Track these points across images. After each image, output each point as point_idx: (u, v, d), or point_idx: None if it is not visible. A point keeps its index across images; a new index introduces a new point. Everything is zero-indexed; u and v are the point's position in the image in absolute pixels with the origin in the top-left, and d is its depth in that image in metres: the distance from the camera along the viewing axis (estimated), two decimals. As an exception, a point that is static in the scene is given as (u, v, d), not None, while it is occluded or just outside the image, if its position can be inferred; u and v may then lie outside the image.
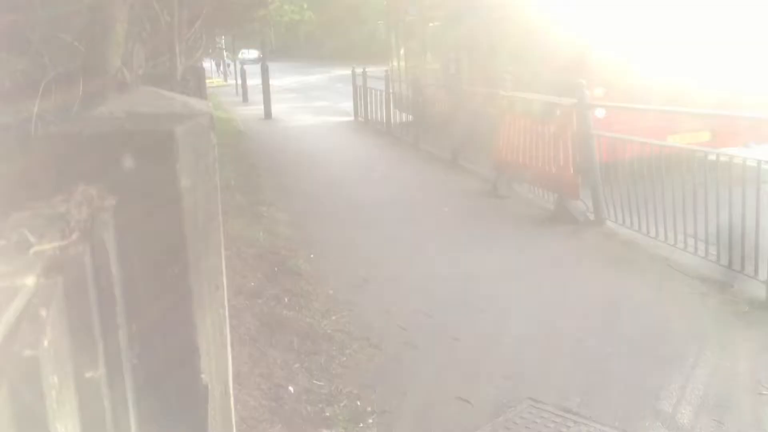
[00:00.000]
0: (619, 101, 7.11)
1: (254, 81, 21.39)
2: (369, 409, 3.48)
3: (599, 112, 7.34)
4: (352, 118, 16.79)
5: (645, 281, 5.10)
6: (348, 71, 17.58)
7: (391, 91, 13.33)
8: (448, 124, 10.38)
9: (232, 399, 0.98)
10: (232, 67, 31.58)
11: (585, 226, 6.59)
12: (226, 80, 33.06)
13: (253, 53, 40.65)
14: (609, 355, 3.97)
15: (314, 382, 3.76)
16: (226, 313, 0.97)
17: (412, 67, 14.24)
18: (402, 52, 14.99)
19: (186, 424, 0.78)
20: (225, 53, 32.08)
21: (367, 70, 15.56)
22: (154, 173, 0.77)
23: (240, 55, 32.11)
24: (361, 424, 3.34)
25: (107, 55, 1.23)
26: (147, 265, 0.76)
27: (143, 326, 0.75)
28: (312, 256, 6.04)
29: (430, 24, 13.59)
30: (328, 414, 3.39)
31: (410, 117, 12.93)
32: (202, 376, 0.80)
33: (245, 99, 22.10)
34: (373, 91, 15.10)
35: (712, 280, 4.97)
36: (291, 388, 3.64)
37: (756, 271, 4.69)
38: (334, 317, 4.69)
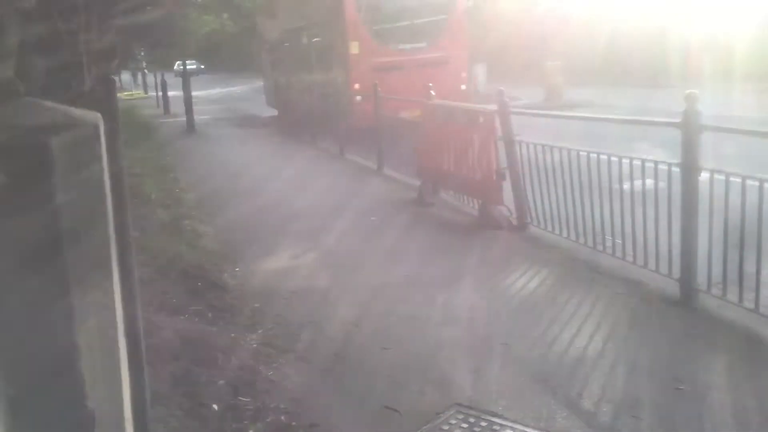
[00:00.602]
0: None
1: (176, 92, 20.97)
2: (295, 423, 3.42)
3: None
4: (276, 129, 16.65)
5: (566, 283, 5.22)
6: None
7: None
8: (299, 118, 14.64)
9: (129, 424, 0.93)
10: (152, 78, 31.27)
11: (509, 232, 6.71)
12: (146, 92, 32.29)
13: (192, 65, 39.91)
14: (533, 358, 4.03)
15: (239, 398, 3.67)
16: (119, 336, 0.91)
17: (273, 77, 19.03)
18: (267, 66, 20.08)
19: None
20: (144, 64, 31.56)
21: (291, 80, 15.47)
22: (29, 187, 0.72)
23: (176, 67, 31.53)
24: (288, 440, 3.28)
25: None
26: (21, 288, 0.71)
27: (16, 358, 0.69)
28: (237, 270, 5.94)
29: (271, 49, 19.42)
30: (252, 431, 3.31)
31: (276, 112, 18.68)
32: (86, 403, 0.75)
33: (166, 111, 21.62)
34: (296, 102, 15.02)
35: (630, 280, 5.13)
36: (215, 406, 3.55)
37: (670, 270, 4.87)
38: (260, 331, 4.61)
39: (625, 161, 5.45)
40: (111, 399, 0.84)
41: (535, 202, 6.46)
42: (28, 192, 0.72)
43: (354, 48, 12.99)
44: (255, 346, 4.35)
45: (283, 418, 3.47)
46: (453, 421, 3.39)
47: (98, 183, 0.85)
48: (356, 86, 12.68)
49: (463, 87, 13.62)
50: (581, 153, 5.76)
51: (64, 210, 0.73)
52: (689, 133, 4.58)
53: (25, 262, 0.72)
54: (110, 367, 0.84)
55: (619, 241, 5.40)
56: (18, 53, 1.33)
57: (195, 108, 17.54)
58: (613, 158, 5.68)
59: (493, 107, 7.01)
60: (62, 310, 0.73)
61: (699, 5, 20.54)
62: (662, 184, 5.03)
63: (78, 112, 0.90)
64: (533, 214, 6.56)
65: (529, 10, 27.02)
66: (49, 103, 0.90)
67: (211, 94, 32.57)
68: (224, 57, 52.00)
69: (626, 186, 5.45)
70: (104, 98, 1.64)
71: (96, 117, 0.92)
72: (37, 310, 0.72)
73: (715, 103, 8.53)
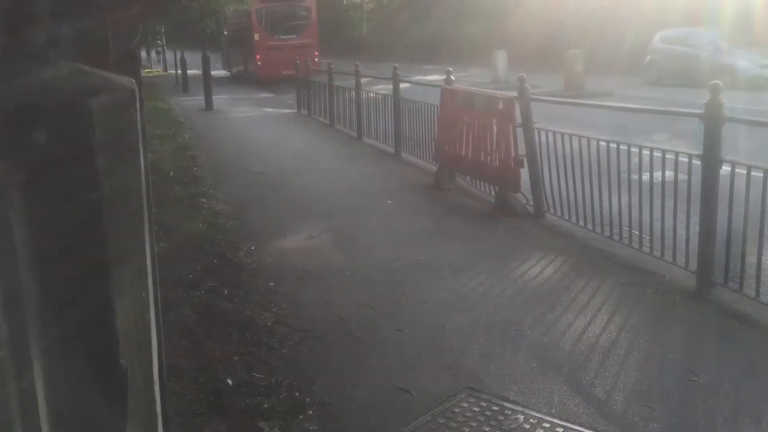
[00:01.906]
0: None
1: (195, 71, 21.00)
2: (309, 400, 3.46)
3: None
4: (294, 110, 16.66)
5: (581, 273, 5.21)
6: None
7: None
8: (236, 75, 25.51)
9: (157, 387, 0.95)
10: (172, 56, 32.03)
11: (525, 219, 6.70)
12: (166, 70, 32.37)
13: None
14: (546, 344, 4.04)
15: (253, 374, 3.71)
16: (151, 298, 0.93)
17: (225, 51, 30.44)
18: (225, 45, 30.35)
19: (104, 412, 0.75)
20: (163, 41, 32.08)
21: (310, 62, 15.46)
22: (69, 150, 0.73)
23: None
24: (301, 416, 3.31)
25: (30, 34, 1.17)
26: (60, 245, 0.72)
27: (55, 310, 0.71)
28: (253, 248, 5.97)
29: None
30: (266, 406, 3.35)
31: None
32: (122, 361, 0.77)
33: (185, 89, 21.64)
34: (315, 83, 15.01)
35: (646, 271, 5.11)
36: (229, 381, 3.59)
37: (687, 262, 4.84)
38: (274, 309, 4.64)
39: (645, 152, 5.41)
40: (141, 360, 0.85)
41: (552, 190, 6.44)
42: (68, 155, 0.73)
43: (257, 37, 23.57)
44: (269, 323, 4.39)
45: (296, 394, 3.51)
46: (464, 405, 3.41)
47: (135, 151, 0.86)
48: (258, 56, 22.74)
49: (317, 59, 21.88)
50: (601, 143, 5.73)
51: (103, 175, 0.74)
52: (712, 125, 4.54)
53: (63, 221, 0.73)
54: (142, 328, 0.85)
55: (636, 231, 5.38)
56: (48, 21, 1.34)
57: (213, 87, 17.56)
58: (633, 149, 5.65)
59: (513, 94, 6.97)
60: (99, 270, 0.74)
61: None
62: (682, 176, 5.00)
63: (114, 77, 0.91)
64: (550, 202, 6.54)
65: (552, -1, 26.75)
66: (88, 68, 0.91)
67: (229, 74, 32.58)
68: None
69: (645, 176, 5.42)
70: (129, 73, 1.65)
71: (131, 82, 0.92)
72: (75, 270, 0.73)
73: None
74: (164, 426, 1.52)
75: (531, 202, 6.82)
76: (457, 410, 3.36)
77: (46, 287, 0.70)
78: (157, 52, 35.14)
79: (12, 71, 1.09)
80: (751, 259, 4.31)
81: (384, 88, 11.53)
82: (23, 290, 0.66)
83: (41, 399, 0.71)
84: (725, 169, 4.57)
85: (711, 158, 4.57)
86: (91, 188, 0.74)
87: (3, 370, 0.65)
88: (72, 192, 0.73)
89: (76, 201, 0.73)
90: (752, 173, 4.36)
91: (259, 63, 22.31)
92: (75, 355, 0.73)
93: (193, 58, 22.23)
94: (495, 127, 7.05)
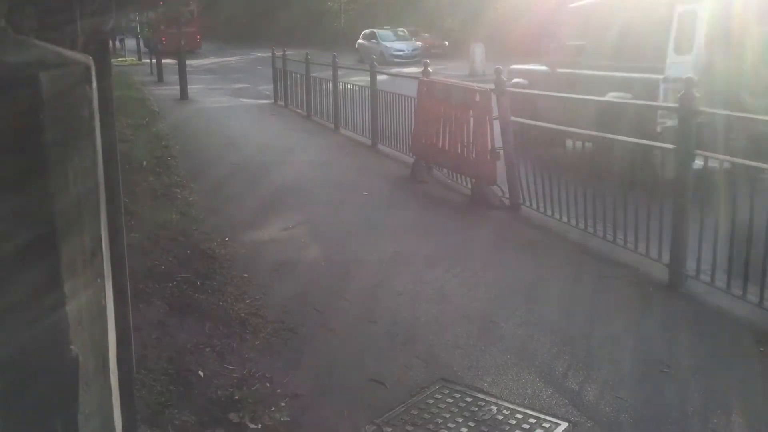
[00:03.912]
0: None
1: (170, 60, 20.76)
2: (280, 392, 3.42)
3: None
4: (271, 101, 16.53)
5: (555, 265, 5.23)
6: (268, 54, 17.32)
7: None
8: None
9: (114, 376, 0.91)
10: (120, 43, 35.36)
11: (501, 211, 6.70)
12: (140, 59, 31.95)
13: None
14: (520, 336, 4.04)
15: (225, 366, 3.67)
16: (107, 284, 0.89)
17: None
18: None
19: (52, 399, 0.71)
20: (138, 29, 32.21)
21: (288, 53, 15.36)
22: (17, 123, 0.69)
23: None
24: (273, 408, 3.27)
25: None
26: (8, 224, 0.68)
27: (2, 292, 0.67)
28: (227, 239, 5.91)
29: None
30: (237, 398, 3.31)
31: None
32: (71, 347, 0.73)
33: (160, 79, 21.38)
34: (292, 74, 14.90)
35: (620, 263, 5.14)
36: (201, 373, 3.54)
37: (660, 254, 4.88)
38: (248, 301, 4.59)
39: (620, 145, 5.44)
40: (94, 346, 0.82)
41: (527, 182, 6.45)
42: (15, 127, 0.69)
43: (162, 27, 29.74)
44: (243, 315, 4.34)
45: (268, 385, 3.47)
46: (438, 396, 3.40)
47: (89, 126, 0.83)
48: (163, 38, 26.44)
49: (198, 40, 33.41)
50: (577, 135, 5.74)
51: (52, 148, 0.70)
52: (685, 118, 4.57)
53: (7, 191, 0.69)
54: (96, 313, 0.82)
55: (609, 224, 5.41)
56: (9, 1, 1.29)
57: (189, 77, 17.37)
58: (608, 142, 5.67)
59: (490, 86, 6.97)
60: (48, 253, 0.71)
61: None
62: (654, 169, 5.04)
63: (69, 53, 0.87)
64: (525, 195, 6.56)
65: (530, -8, 26.81)
66: (39, 42, 0.87)
67: (205, 63, 32.28)
68: (219, 27, 51.54)
69: (620, 169, 5.44)
70: (96, 58, 1.59)
71: (87, 59, 0.89)
72: (24, 255, 0.69)
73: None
74: (131, 417, 1.49)
75: (507, 195, 6.83)
76: (431, 401, 3.35)
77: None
78: (120, 40, 35.07)
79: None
80: (723, 251, 4.35)
81: (361, 79, 11.47)
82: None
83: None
84: (698, 162, 4.61)
85: (684, 151, 4.61)
86: (38, 162, 0.70)
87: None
88: (18, 166, 0.69)
89: (23, 175, 0.70)
90: (724, 165, 4.40)
91: (163, 42, 27.60)
92: (21, 340, 0.69)
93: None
94: (472, 119, 7.04)
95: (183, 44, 18.74)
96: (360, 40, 32.91)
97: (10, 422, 0.70)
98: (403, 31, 32.78)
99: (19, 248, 0.71)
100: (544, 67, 9.46)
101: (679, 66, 6.73)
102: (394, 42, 31.52)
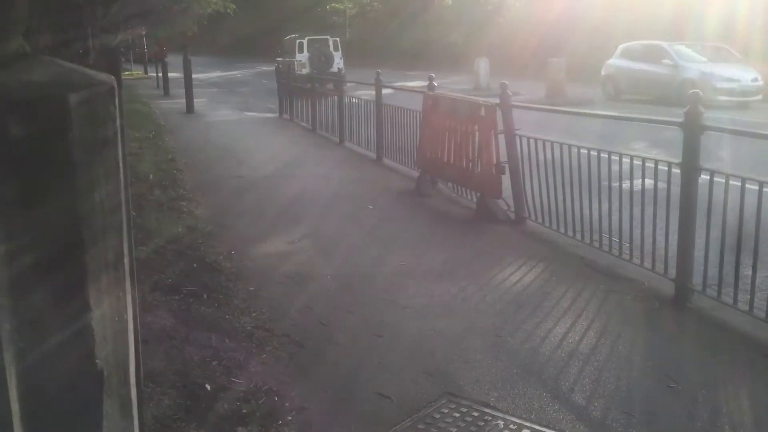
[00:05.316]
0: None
1: (176, 74, 20.88)
2: (287, 405, 3.43)
3: None
4: (276, 114, 16.60)
5: (561, 279, 5.23)
6: (272, 67, 17.40)
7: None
8: None
9: (134, 388, 0.92)
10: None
11: (506, 225, 6.71)
12: (147, 73, 32.16)
13: None
14: (526, 350, 4.04)
15: (232, 379, 3.67)
16: (128, 298, 0.91)
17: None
18: None
19: (78, 412, 0.73)
20: (144, 42, 32.54)
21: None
22: (46, 142, 0.71)
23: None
24: (279, 421, 3.28)
25: (7, 30, 1.15)
26: (37, 240, 0.70)
27: (31, 307, 0.69)
28: (233, 252, 5.93)
29: None
30: (245, 411, 3.31)
31: None
32: (97, 361, 0.75)
33: (167, 92, 21.51)
34: (299, 88, 14.99)
35: (626, 278, 5.14)
36: (207, 386, 3.55)
37: (666, 269, 4.88)
38: (254, 314, 4.60)
39: (626, 160, 5.45)
40: (117, 360, 0.83)
41: (533, 196, 6.46)
42: (45, 146, 0.71)
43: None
44: (249, 328, 4.35)
45: (275, 399, 3.48)
46: (445, 410, 3.40)
47: (113, 146, 0.85)
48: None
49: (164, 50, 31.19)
50: (582, 150, 5.76)
51: (79, 166, 0.72)
52: (690, 134, 4.59)
53: (34, 209, 0.71)
54: (119, 329, 0.83)
55: (615, 239, 5.41)
56: (27, 20, 1.31)
57: (194, 90, 17.47)
58: (614, 156, 5.69)
59: (495, 100, 7.00)
60: (75, 265, 0.72)
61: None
62: (662, 184, 5.04)
63: (93, 73, 0.89)
64: (531, 209, 6.57)
65: (534, 5, 26.97)
66: (66, 63, 0.89)
67: (211, 77, 32.47)
68: (225, 41, 51.91)
69: (626, 184, 5.46)
70: (108, 71, 1.62)
71: (110, 78, 0.91)
72: (56, 272, 0.71)
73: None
74: (141, 430, 1.50)
75: (512, 209, 6.84)
76: (438, 416, 3.35)
77: (21, 288, 0.68)
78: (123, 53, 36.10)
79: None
80: (730, 266, 4.35)
81: (366, 93, 11.53)
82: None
83: (14, 402, 0.69)
84: (704, 177, 4.62)
85: (690, 166, 4.62)
86: (67, 183, 0.72)
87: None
88: (49, 189, 0.71)
89: (52, 198, 0.71)
90: (730, 182, 4.41)
91: (155, 50, 30.74)
92: (50, 353, 0.71)
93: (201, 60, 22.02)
94: (477, 133, 7.07)
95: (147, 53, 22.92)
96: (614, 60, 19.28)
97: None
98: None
99: (46, 261, 0.72)
100: None
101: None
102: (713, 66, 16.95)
